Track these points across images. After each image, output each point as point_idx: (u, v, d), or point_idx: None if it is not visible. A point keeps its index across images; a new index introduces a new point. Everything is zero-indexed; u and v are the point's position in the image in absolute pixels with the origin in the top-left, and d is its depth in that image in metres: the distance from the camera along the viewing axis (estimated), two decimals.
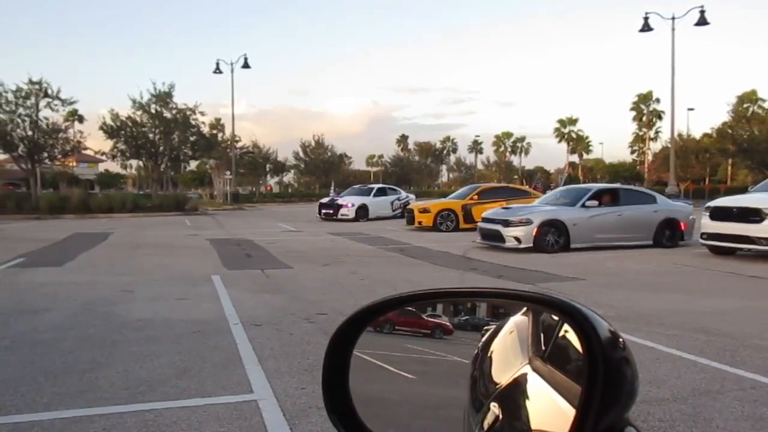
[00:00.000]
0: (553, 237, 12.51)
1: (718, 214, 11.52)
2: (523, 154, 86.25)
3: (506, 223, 12.73)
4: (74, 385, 4.10)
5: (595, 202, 12.94)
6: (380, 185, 27.55)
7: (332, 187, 28.16)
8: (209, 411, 3.61)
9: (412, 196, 27.17)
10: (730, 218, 11.24)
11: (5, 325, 5.92)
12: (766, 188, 12.23)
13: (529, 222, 12.55)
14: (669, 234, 13.32)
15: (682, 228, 13.34)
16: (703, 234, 11.75)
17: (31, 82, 29.88)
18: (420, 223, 18.65)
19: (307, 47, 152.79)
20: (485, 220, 13.61)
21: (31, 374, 4.35)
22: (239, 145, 50.47)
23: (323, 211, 24.29)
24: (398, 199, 25.41)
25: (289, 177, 67.31)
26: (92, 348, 5.06)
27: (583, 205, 12.91)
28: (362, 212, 23.45)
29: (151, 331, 5.67)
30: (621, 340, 0.73)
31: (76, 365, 4.57)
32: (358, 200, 23.98)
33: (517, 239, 12.41)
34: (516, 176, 73.99)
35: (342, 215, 23.18)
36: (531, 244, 12.28)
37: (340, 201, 24.28)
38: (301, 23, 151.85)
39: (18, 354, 4.90)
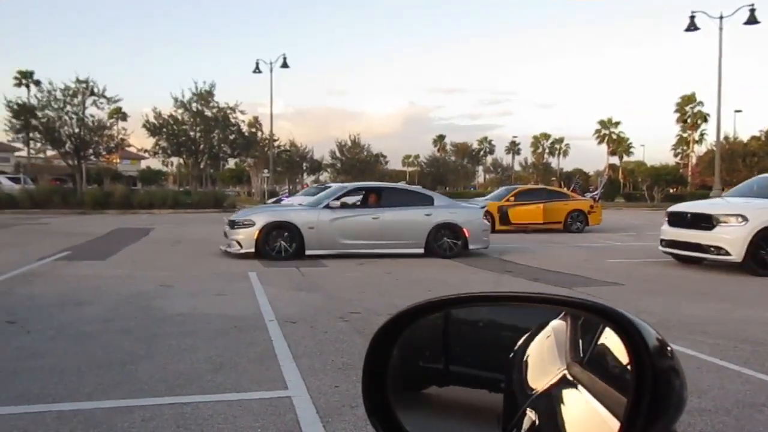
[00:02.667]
0: (284, 242, 11.01)
1: (675, 219, 10.83)
2: (561, 156, 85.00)
3: (232, 224, 11.48)
4: (115, 376, 4.21)
5: (338, 203, 11.61)
6: (344, 185, 24.96)
7: (286, 186, 25.07)
8: (244, 406, 3.66)
9: None
10: (685, 224, 10.52)
11: (51, 317, 6.12)
12: (739, 192, 11.55)
13: (251, 224, 11.20)
14: (449, 241, 11.66)
15: (466, 234, 11.69)
16: (661, 241, 11.07)
17: (78, 80, 30.86)
18: None
19: (344, 48, 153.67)
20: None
21: (74, 364, 4.48)
22: (277, 143, 51.07)
23: None
24: None
25: (325, 176, 67.78)
26: (132, 341, 5.19)
27: (327, 206, 11.54)
28: None
29: (189, 325, 5.79)
30: (669, 348, 0.71)
31: (117, 357, 4.69)
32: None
33: (239, 243, 11.11)
34: (554, 178, 72.93)
35: None
36: (252, 249, 10.92)
37: (286, 201, 21.26)
38: (338, 24, 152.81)
39: (62, 344, 5.06)
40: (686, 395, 0.68)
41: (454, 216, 11.85)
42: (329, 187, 23.03)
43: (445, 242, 11.70)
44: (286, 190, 23.87)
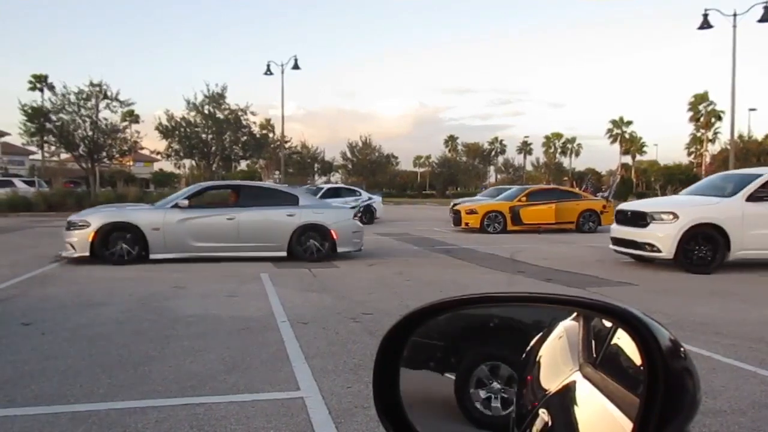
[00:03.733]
0: (125, 244, 10.29)
1: (620, 218, 11.03)
2: (573, 156, 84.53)
3: (68, 226, 10.50)
4: (129, 378, 4.24)
5: (186, 203, 10.84)
6: (334, 185, 24.11)
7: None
8: (257, 407, 3.67)
9: (376, 198, 23.96)
10: (627, 222, 10.73)
11: (65, 318, 6.18)
12: (693, 190, 11.54)
13: (85, 225, 10.33)
14: (316, 244, 11.09)
15: (334, 236, 11.14)
16: (611, 239, 11.23)
17: (91, 84, 31.17)
18: (467, 224, 18.52)
19: (354, 49, 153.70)
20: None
21: (88, 366, 4.53)
22: (288, 145, 51.26)
23: None
24: (355, 201, 21.67)
25: (336, 177, 67.95)
26: (146, 342, 5.23)
27: (176, 206, 10.81)
28: None
29: (201, 326, 5.82)
30: (682, 349, 0.70)
31: (131, 358, 4.73)
32: None
33: (73, 246, 10.24)
34: (566, 178, 72.59)
35: None
36: (87, 253, 10.15)
37: None
38: (347, 25, 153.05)
39: (77, 346, 5.10)
40: (700, 396, 0.67)
41: (321, 217, 11.31)
42: (322, 188, 22.86)
43: (312, 245, 11.11)
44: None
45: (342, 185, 26.24)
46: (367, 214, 21.95)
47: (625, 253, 10.85)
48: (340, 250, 11.24)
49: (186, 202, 10.92)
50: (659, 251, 10.00)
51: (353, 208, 12.61)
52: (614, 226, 11.16)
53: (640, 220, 10.39)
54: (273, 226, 11.07)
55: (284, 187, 13.50)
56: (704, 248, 9.89)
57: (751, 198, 9.99)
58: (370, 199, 22.82)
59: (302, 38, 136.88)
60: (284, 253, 10.99)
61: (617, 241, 10.97)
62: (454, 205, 25.19)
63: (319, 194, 21.27)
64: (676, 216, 9.98)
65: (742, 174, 11.19)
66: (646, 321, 0.71)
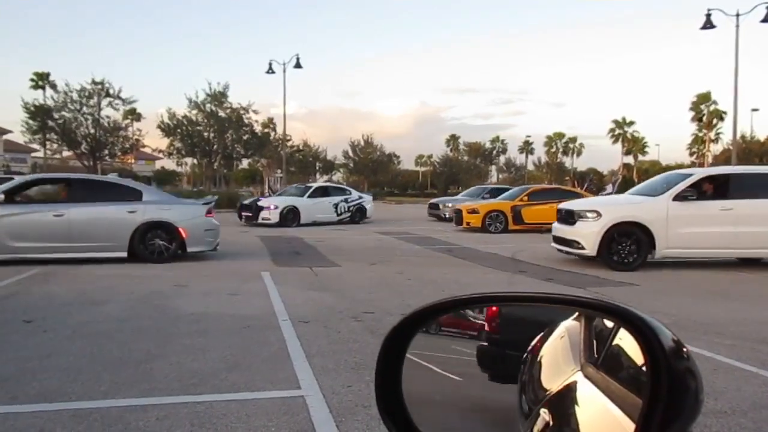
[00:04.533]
0: None
1: (558, 216, 11.36)
2: (575, 155, 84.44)
3: None
4: (130, 375, 4.25)
5: (2, 197, 9.79)
6: (322, 184, 23.93)
7: (267, 184, 22.94)
8: (258, 405, 3.68)
9: (367, 196, 23.42)
10: (562, 220, 11.09)
11: (67, 315, 6.19)
12: (638, 191, 11.65)
13: None
14: (162, 243, 10.28)
15: (182, 235, 10.37)
16: (552, 236, 11.50)
17: (94, 82, 31.26)
18: (468, 223, 18.52)
19: (356, 49, 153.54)
20: None
21: (90, 363, 4.53)
22: (290, 144, 51.30)
23: (243, 213, 20.88)
24: (345, 200, 21.78)
25: (338, 176, 67.98)
26: (147, 340, 5.24)
27: None
28: (291, 216, 19.72)
29: (203, 325, 5.83)
30: (685, 350, 0.70)
31: (132, 356, 4.74)
32: (286, 202, 20.27)
33: None
34: (567, 178, 72.51)
35: (263, 219, 19.52)
36: None
37: (262, 202, 20.57)
38: (349, 24, 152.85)
39: (79, 343, 5.11)
40: (702, 397, 0.67)
41: (168, 213, 10.43)
42: (310, 186, 22.00)
43: (157, 244, 10.29)
44: (269, 190, 22.61)
45: (331, 184, 25.95)
46: (358, 214, 21.89)
47: (561, 251, 11.10)
48: (190, 249, 10.54)
49: (1, 196, 9.80)
50: (584, 248, 10.31)
51: (207, 204, 11.82)
52: (555, 224, 11.49)
53: (570, 218, 10.74)
54: (110, 223, 10.16)
55: (127, 181, 12.39)
56: (628, 246, 10.11)
57: (677, 198, 10.15)
58: (360, 198, 22.54)
59: (304, 37, 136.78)
60: (124, 254, 10.15)
61: (555, 239, 11.27)
62: (432, 204, 25.42)
63: (307, 193, 21.13)
64: (599, 214, 10.27)
65: (679, 174, 11.45)
66: (649, 321, 0.71)
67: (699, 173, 10.85)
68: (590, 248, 10.18)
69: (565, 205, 11.64)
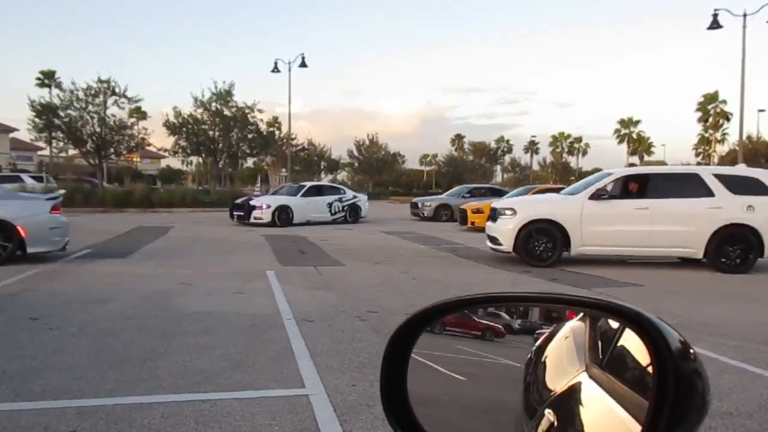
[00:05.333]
0: None
1: (490, 214, 11.73)
2: (580, 155, 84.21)
3: None
4: (135, 373, 4.26)
5: None
6: (316, 183, 23.59)
7: (258, 183, 22.21)
8: (262, 404, 3.69)
9: (362, 195, 23.10)
10: (490, 218, 11.49)
11: (73, 313, 6.21)
12: (571, 190, 11.77)
13: None
14: None
15: (21, 235, 9.39)
16: (486, 234, 11.79)
17: (99, 80, 31.26)
18: (473, 223, 18.49)
19: (361, 48, 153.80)
20: None
21: (95, 361, 4.55)
22: (295, 142, 51.31)
23: (235, 213, 20.45)
24: (340, 200, 21.46)
25: (342, 175, 67.96)
26: (152, 338, 5.25)
27: None
28: (283, 216, 19.40)
29: (207, 323, 5.84)
30: (692, 351, 0.70)
31: (137, 354, 4.75)
32: (278, 201, 19.94)
33: None
34: (573, 178, 72.30)
35: (255, 218, 19.21)
36: None
37: (254, 201, 20.16)
38: (354, 24, 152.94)
39: (84, 341, 5.13)
40: (709, 399, 0.67)
41: (2, 210, 9.41)
42: (304, 185, 21.63)
43: None
44: (258, 189, 22.05)
45: (325, 183, 25.61)
46: (353, 213, 21.78)
47: (491, 248, 11.35)
48: (31, 250, 9.56)
49: None
50: (501, 244, 10.75)
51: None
52: (488, 222, 11.80)
53: (494, 215, 11.26)
54: None
55: None
56: (543, 243, 10.45)
57: (593, 197, 10.41)
58: (355, 197, 22.22)
59: (309, 36, 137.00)
60: None
61: (488, 236, 11.57)
62: (413, 203, 25.47)
63: (301, 192, 20.86)
64: (514, 212, 10.70)
65: (602, 173, 11.69)
66: (655, 322, 0.70)
67: (617, 173, 11.15)
68: (507, 244, 10.61)
69: (495, 203, 12.16)
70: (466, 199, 22.87)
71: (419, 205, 24.70)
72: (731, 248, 10.12)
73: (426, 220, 23.20)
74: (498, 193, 24.10)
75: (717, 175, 10.40)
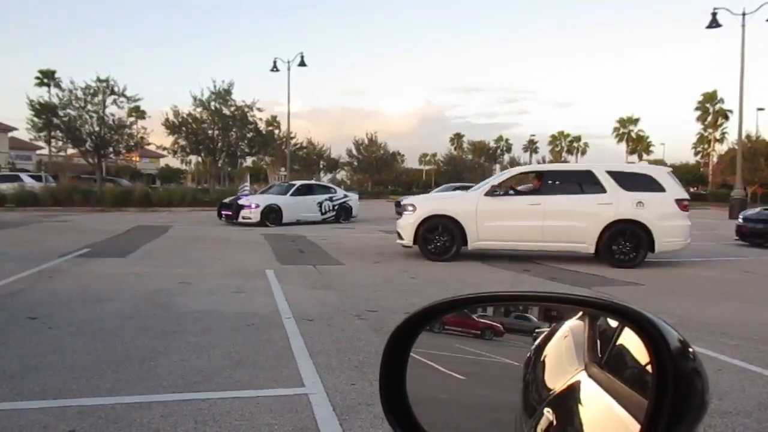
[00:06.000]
0: None
1: (396, 210, 12.48)
2: (579, 154, 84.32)
3: None
4: (134, 373, 4.26)
5: None
6: (305, 182, 23.18)
7: (247, 182, 21.90)
8: (261, 403, 3.69)
9: (353, 195, 22.85)
10: (397, 213, 12.13)
11: (72, 313, 6.21)
12: (477, 187, 11.93)
13: None
14: None
15: None
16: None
17: (98, 79, 31.23)
18: None
19: (360, 47, 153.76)
20: None
21: (95, 360, 4.55)
22: (294, 142, 51.28)
23: (223, 212, 20.21)
24: (330, 199, 21.23)
25: (342, 174, 67.94)
26: (151, 337, 5.25)
27: None
28: (272, 215, 19.15)
29: (207, 322, 5.84)
30: (691, 350, 0.70)
31: (137, 353, 4.75)
32: (267, 200, 19.70)
33: None
34: None
35: (243, 218, 18.93)
36: None
37: (243, 201, 19.76)
38: (353, 23, 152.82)
39: (83, 340, 5.13)
40: (709, 398, 0.67)
41: None
42: (293, 184, 21.21)
43: None
44: (246, 188, 21.79)
45: (314, 182, 25.23)
46: (343, 212, 21.56)
47: (399, 242, 11.52)
48: None
49: None
50: (403, 239, 11.14)
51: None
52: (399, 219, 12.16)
53: (398, 211, 11.70)
54: None
55: None
56: (443, 238, 10.85)
57: (488, 193, 10.85)
58: (346, 197, 22.05)
59: (308, 36, 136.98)
60: None
61: (396, 232, 11.76)
62: (396, 203, 25.02)
63: (290, 191, 20.57)
64: (415, 208, 11.13)
65: (504, 172, 12.36)
66: (655, 321, 0.70)
67: (514, 170, 11.75)
68: (408, 239, 11.01)
69: (402, 200, 12.53)
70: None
71: (401, 203, 24.20)
72: (622, 243, 10.37)
73: None
74: None
75: (610, 172, 10.65)
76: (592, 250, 10.47)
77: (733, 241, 15.07)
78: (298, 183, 21.83)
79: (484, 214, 10.65)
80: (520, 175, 11.67)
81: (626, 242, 10.34)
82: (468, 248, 10.78)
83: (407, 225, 11.03)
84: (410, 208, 11.22)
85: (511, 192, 11.14)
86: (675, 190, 10.52)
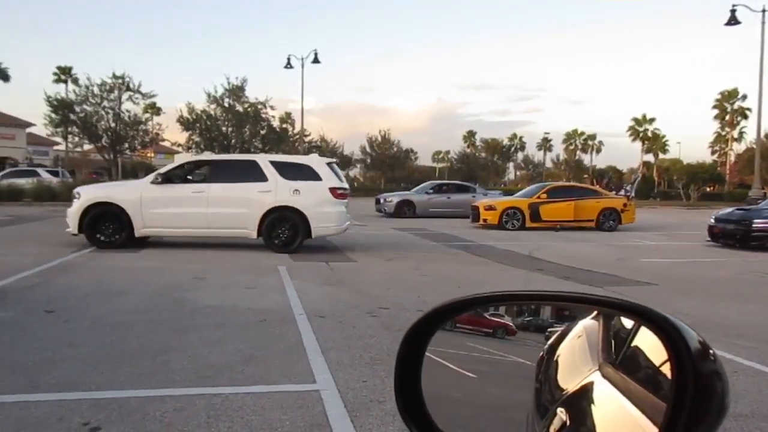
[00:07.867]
0: None
1: None
2: (594, 153, 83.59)
3: None
4: (148, 366, 4.30)
5: None
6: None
7: None
8: (273, 398, 3.70)
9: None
10: None
11: (87, 307, 6.28)
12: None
13: None
14: None
15: None
16: None
17: (114, 76, 31.55)
18: (485, 220, 18.41)
19: (373, 45, 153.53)
20: None
21: (109, 354, 4.60)
22: (308, 138, 51.39)
23: None
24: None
25: (354, 171, 67.94)
26: (165, 332, 5.29)
27: None
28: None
29: (220, 318, 5.87)
30: (712, 351, 0.69)
31: (150, 347, 4.79)
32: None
33: None
34: (586, 175, 71.74)
35: None
36: None
37: None
38: (366, 20, 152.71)
39: (98, 334, 5.18)
40: (728, 401, 0.65)
41: None
42: None
43: None
44: None
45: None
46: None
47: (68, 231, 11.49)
48: None
49: None
50: (69, 226, 11.04)
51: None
52: None
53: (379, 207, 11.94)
54: None
55: None
56: (111, 226, 10.98)
57: (154, 181, 11.17)
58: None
59: (321, 33, 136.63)
60: None
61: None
62: (377, 199, 24.58)
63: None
64: (80, 195, 11.19)
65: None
66: (674, 322, 0.69)
67: (181, 159, 12.55)
68: (73, 226, 10.95)
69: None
70: (430, 195, 23.39)
71: (381, 200, 23.75)
72: (281, 229, 11.10)
73: (389, 216, 22.13)
74: (464, 189, 24.05)
75: (273, 162, 11.36)
76: (254, 235, 11.08)
77: (705, 242, 14.75)
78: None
79: (149, 202, 10.92)
80: (190, 164, 12.12)
81: (285, 229, 11.09)
82: (136, 235, 11.00)
83: (72, 212, 11.01)
84: (77, 195, 11.21)
85: (177, 180, 11.40)
86: (331, 179, 11.27)
